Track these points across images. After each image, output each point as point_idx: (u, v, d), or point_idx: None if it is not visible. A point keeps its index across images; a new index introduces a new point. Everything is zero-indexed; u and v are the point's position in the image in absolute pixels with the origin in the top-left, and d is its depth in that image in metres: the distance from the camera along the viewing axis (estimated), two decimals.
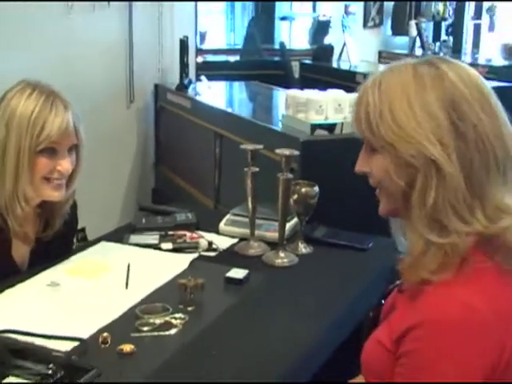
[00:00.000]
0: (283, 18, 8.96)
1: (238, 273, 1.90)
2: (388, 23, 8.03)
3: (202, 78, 4.26)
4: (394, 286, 1.43)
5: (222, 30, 9.58)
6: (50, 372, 1.33)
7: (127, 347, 1.48)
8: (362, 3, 7.50)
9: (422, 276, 1.25)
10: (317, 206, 2.12)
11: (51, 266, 1.93)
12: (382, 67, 1.35)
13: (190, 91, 4.15)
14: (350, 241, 2.17)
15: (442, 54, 7.63)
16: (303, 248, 2.12)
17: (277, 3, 8.87)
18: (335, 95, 2.75)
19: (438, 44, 8.20)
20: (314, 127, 2.65)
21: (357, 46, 6.36)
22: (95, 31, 4.12)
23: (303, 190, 2.09)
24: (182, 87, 4.14)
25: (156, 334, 1.57)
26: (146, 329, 1.58)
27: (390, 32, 8.10)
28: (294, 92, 2.87)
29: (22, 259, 1.95)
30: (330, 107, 2.66)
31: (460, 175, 1.21)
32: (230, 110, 3.64)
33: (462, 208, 1.22)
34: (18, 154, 1.80)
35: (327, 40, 7.43)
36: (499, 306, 1.20)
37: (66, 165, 1.85)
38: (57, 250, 2.00)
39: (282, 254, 2.04)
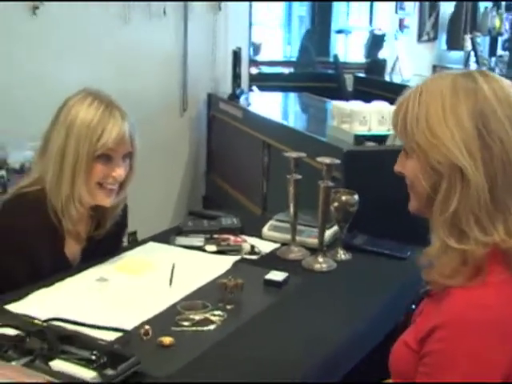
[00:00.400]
0: (339, 31, 9.02)
1: (277, 275, 1.96)
2: (443, 37, 8.03)
3: (254, 88, 4.35)
4: (425, 291, 1.49)
5: (279, 43, 9.70)
6: (94, 358, 1.41)
7: (167, 340, 1.56)
8: (416, 17, 7.52)
9: (434, 278, 1.32)
10: (359, 215, 2.17)
11: (100, 262, 2.03)
12: None
13: (242, 101, 4.24)
14: (389, 249, 2.21)
15: (497, 69, 7.59)
16: (342, 254, 2.18)
17: (333, 16, 8.94)
18: (379, 107, 2.81)
19: (493, 59, 8.16)
20: (358, 138, 2.71)
21: (410, 59, 6.39)
22: (151, 42, 4.24)
23: (343, 197, 2.15)
24: (234, 97, 4.23)
25: (195, 328, 1.65)
26: (185, 324, 1.67)
27: (445, 46, 8.09)
28: (340, 103, 2.94)
29: (74, 256, 2.06)
30: (374, 119, 2.73)
31: (485, 185, 1.26)
32: (278, 120, 3.72)
33: (484, 218, 1.27)
34: (77, 158, 1.91)
35: (382, 54, 7.47)
36: None
37: (120, 171, 1.96)
38: (107, 249, 2.11)
39: (321, 259, 2.10)
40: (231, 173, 4.25)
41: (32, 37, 3.60)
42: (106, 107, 1.94)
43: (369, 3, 8.37)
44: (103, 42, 4.00)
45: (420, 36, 7.64)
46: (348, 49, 9.09)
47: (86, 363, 1.40)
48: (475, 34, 7.59)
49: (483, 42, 8.30)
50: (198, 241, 2.25)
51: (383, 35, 7.50)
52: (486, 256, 1.28)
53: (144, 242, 2.27)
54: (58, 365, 1.39)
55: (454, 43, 7.98)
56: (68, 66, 3.78)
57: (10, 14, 3.48)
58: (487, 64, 7.64)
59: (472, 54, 7.61)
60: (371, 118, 2.73)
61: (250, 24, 4.82)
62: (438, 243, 1.33)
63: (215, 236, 2.28)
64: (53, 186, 1.94)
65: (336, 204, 2.15)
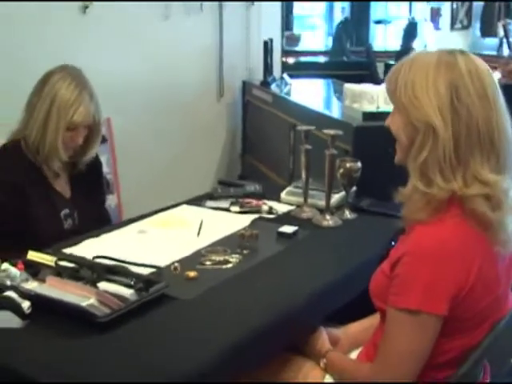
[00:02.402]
0: (378, 22, 9.28)
1: (288, 228, 2.32)
2: (477, 25, 8.21)
3: (284, 76, 4.67)
4: (400, 230, 1.82)
5: (320, 34, 9.99)
6: (132, 283, 1.80)
7: (192, 273, 1.94)
8: (449, 5, 7.73)
9: (404, 214, 1.66)
10: (366, 181, 2.50)
11: (140, 219, 2.43)
12: None
13: (274, 87, 4.58)
14: (388, 209, 2.53)
15: None
16: (348, 214, 2.52)
17: (372, 7, 9.20)
18: (385, 88, 3.11)
19: None
20: (366, 115, 3.04)
21: (440, 47, 6.63)
22: (189, 36, 4.56)
23: (348, 164, 2.48)
24: (265, 83, 4.59)
25: (216, 266, 2.03)
26: (208, 263, 2.04)
27: (479, 33, 8.27)
28: (351, 85, 3.26)
29: (63, 189, 2.56)
30: (381, 98, 3.04)
31: (451, 143, 1.58)
32: (301, 102, 4.03)
33: (447, 169, 1.60)
34: (57, 129, 2.42)
35: (416, 42, 7.73)
36: (466, 240, 1.59)
37: (80, 139, 2.49)
38: (89, 178, 2.65)
39: (328, 217, 2.45)
40: (264, 153, 4.60)
41: (82, 34, 3.94)
42: (80, 92, 2.45)
43: None
44: (146, 37, 4.29)
45: (453, 24, 7.84)
46: (387, 38, 9.34)
47: (126, 286, 1.78)
48: (507, 21, 7.77)
49: None
50: (224, 203, 2.62)
51: (416, 24, 7.74)
52: (446, 200, 1.61)
53: (178, 204, 2.65)
54: (103, 286, 1.77)
55: (487, 30, 8.14)
56: (114, 60, 4.04)
57: (63, 13, 3.86)
58: None
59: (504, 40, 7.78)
60: (379, 97, 3.05)
61: (283, 17, 5.15)
62: (410, 186, 1.66)
63: (240, 200, 2.64)
64: (36, 141, 2.43)
65: (341, 170, 2.48)
